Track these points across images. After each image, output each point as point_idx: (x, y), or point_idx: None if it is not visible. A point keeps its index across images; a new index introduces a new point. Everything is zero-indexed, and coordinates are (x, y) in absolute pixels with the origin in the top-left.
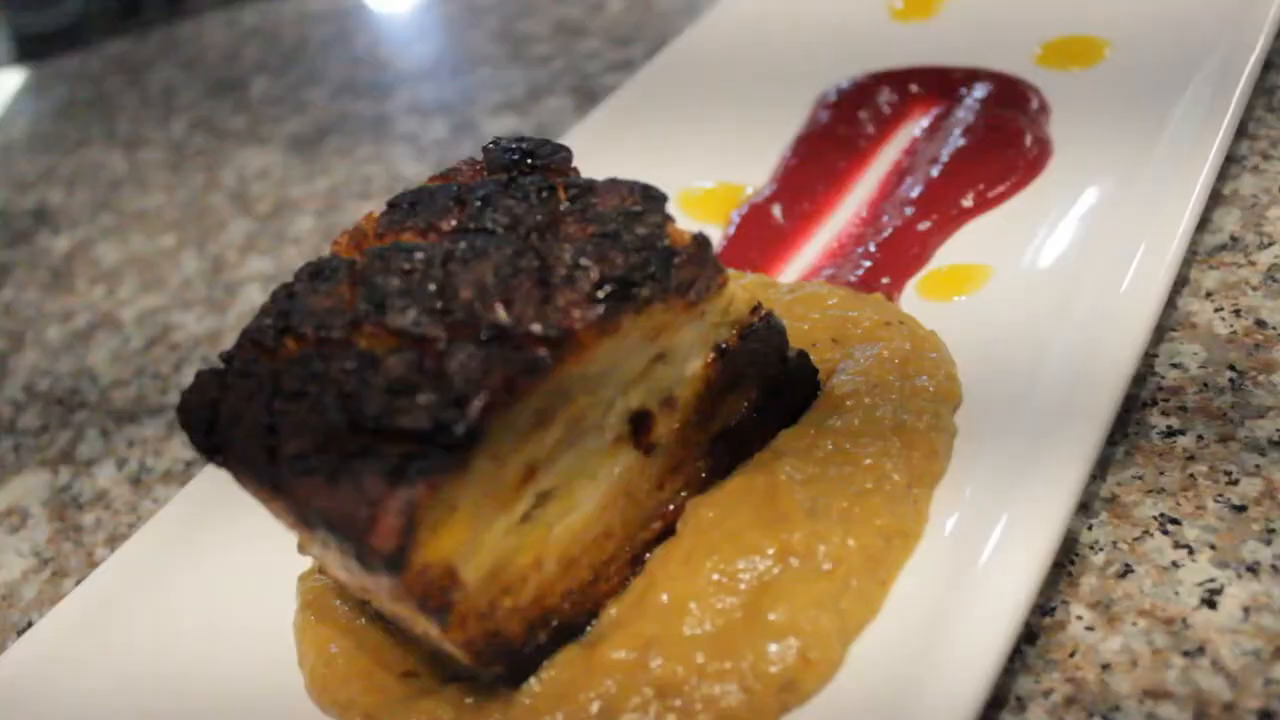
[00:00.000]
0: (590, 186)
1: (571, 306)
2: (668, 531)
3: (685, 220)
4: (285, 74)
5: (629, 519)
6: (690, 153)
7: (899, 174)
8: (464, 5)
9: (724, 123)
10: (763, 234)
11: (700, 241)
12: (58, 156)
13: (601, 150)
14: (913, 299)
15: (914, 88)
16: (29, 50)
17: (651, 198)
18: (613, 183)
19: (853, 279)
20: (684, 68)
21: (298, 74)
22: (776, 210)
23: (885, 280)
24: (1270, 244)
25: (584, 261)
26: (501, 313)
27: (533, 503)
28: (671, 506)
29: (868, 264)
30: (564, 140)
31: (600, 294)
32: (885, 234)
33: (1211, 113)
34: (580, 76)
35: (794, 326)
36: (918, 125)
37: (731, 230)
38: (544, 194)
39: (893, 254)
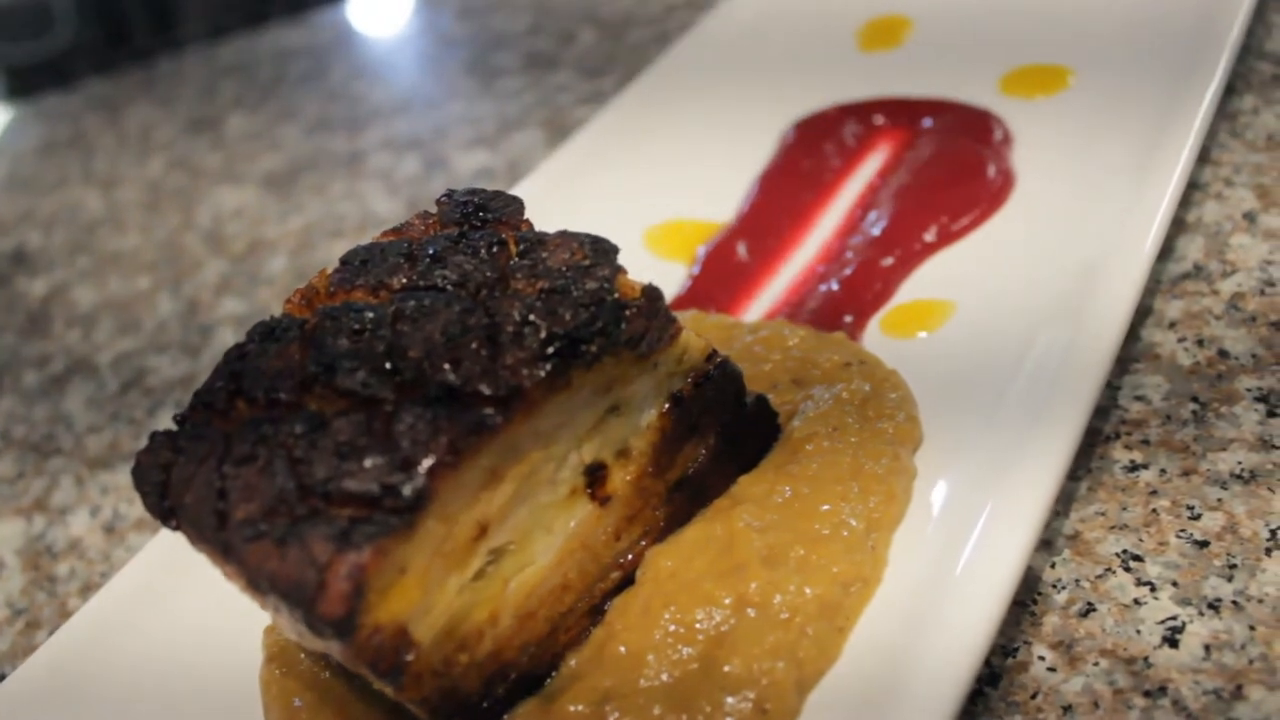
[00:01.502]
0: (541, 240)
1: (520, 364)
2: (627, 581)
3: (651, 258)
4: (261, 110)
5: (586, 571)
6: (658, 188)
7: (863, 208)
8: (437, 39)
9: (692, 156)
10: (727, 271)
11: (650, 294)
12: (36, 197)
13: (570, 186)
14: (876, 336)
15: (879, 119)
16: (18, 83)
17: (601, 250)
18: (563, 235)
19: (816, 317)
20: (654, 100)
21: (273, 110)
22: (741, 247)
23: (848, 318)
24: (1233, 272)
25: (533, 318)
26: (449, 372)
27: (487, 559)
28: (630, 556)
29: (831, 301)
30: (533, 175)
31: (549, 351)
32: (848, 270)
33: (1173, 139)
34: (551, 110)
35: (755, 368)
36: (882, 158)
37: (696, 268)
38: (494, 249)
39: (856, 291)
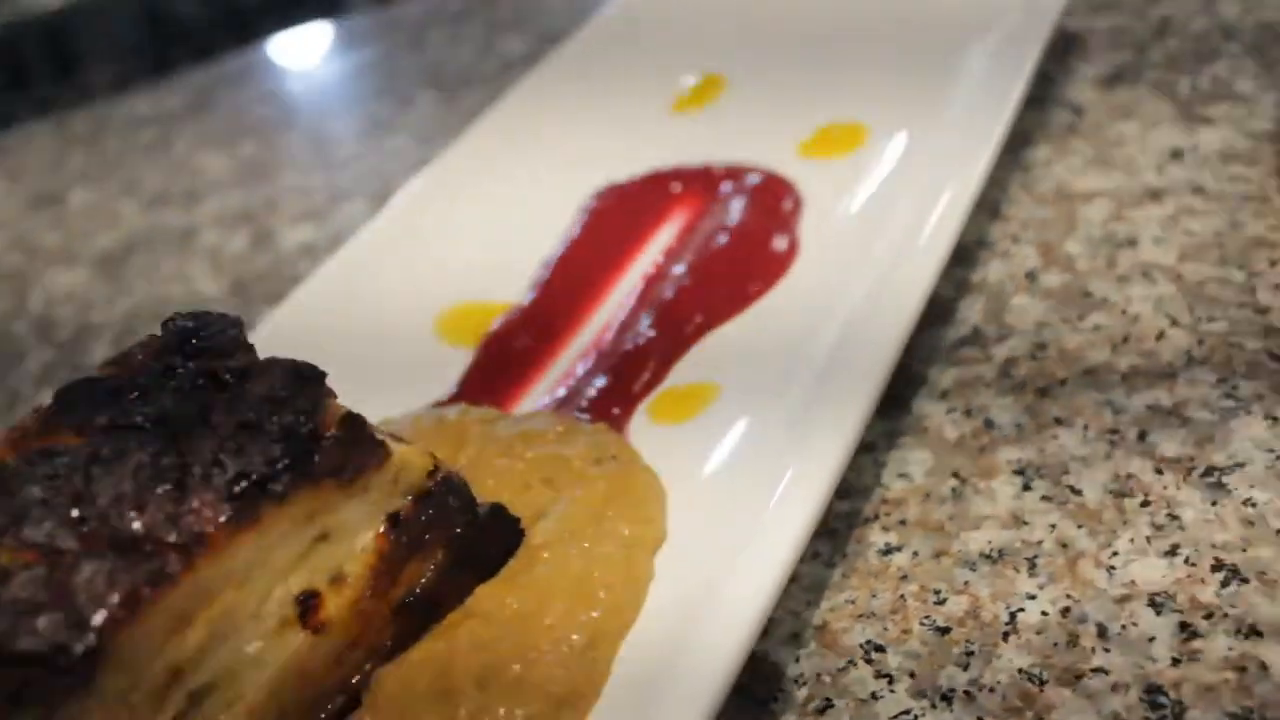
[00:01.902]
0: (247, 371)
1: (205, 508)
2: (356, 702)
3: (440, 345)
4: (105, 183)
5: (304, 699)
6: (455, 267)
7: (646, 287)
8: (282, 107)
9: (495, 232)
10: (507, 359)
11: (350, 422)
12: None
13: (368, 267)
14: (643, 425)
15: (676, 187)
16: None
17: (302, 379)
18: (269, 364)
19: (588, 407)
20: (462, 170)
21: (117, 183)
22: (525, 332)
23: (616, 410)
24: (1008, 336)
25: (222, 457)
26: (134, 520)
27: (185, 702)
28: (356, 679)
29: (602, 390)
30: (344, 248)
31: (234, 491)
32: (620, 355)
33: (951, 199)
34: (381, 180)
35: (510, 467)
36: (674, 230)
37: (477, 356)
38: (200, 382)
39: (626, 378)
